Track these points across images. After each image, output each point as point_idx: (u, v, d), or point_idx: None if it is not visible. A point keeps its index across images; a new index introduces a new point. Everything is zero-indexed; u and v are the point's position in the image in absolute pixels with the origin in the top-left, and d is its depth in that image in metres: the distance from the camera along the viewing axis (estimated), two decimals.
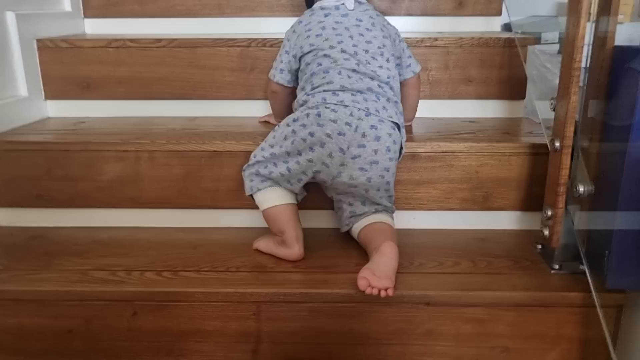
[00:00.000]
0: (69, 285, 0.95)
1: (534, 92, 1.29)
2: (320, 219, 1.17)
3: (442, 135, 1.18)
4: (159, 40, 1.33)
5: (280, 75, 1.13)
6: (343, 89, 0.99)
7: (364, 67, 1.02)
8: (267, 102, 1.35)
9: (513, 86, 1.34)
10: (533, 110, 1.41)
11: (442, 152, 1.12)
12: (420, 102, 1.30)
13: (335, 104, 0.97)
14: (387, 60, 1.06)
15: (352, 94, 0.99)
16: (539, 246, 1.06)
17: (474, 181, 1.14)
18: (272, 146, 1.02)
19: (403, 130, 1.04)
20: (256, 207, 1.06)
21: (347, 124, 0.96)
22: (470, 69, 1.33)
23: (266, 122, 1.28)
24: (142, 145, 1.13)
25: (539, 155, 1.11)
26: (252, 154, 1.06)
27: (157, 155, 1.14)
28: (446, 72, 1.33)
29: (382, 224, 1.01)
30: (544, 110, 1.31)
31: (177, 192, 1.16)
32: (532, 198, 1.14)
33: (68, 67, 1.35)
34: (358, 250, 1.04)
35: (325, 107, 0.97)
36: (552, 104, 1.01)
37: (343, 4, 1.10)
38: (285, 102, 1.19)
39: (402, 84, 1.13)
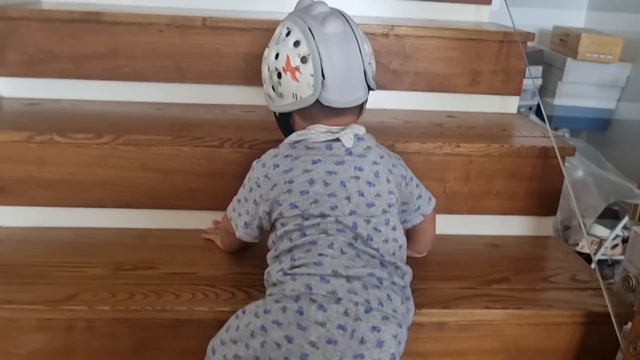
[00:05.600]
0: None
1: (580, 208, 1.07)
2: None
3: (469, 286, 0.93)
4: (100, 135, 1.00)
5: (244, 231, 0.85)
6: (335, 272, 0.72)
7: (364, 244, 0.75)
8: None
9: (543, 201, 1.11)
10: (560, 217, 1.20)
11: (477, 321, 0.88)
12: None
13: (325, 296, 0.70)
14: (394, 229, 0.80)
15: (348, 280, 0.71)
16: None
17: (513, 352, 0.91)
18: (234, 342, 0.73)
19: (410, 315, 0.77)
20: None
21: (340, 327, 0.69)
22: (495, 181, 1.08)
23: (212, 240, 1.00)
24: (77, 312, 0.82)
25: (594, 324, 0.89)
26: (210, 346, 0.76)
27: (97, 324, 0.83)
28: (467, 184, 1.08)
29: None
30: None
31: None
32: None
33: None
34: None
35: (311, 301, 0.70)
36: (630, 283, 0.78)
37: (338, 139, 0.79)
38: (242, 245, 0.93)
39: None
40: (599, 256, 1.58)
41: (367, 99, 0.84)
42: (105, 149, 1.01)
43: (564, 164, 1.07)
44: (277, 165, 0.79)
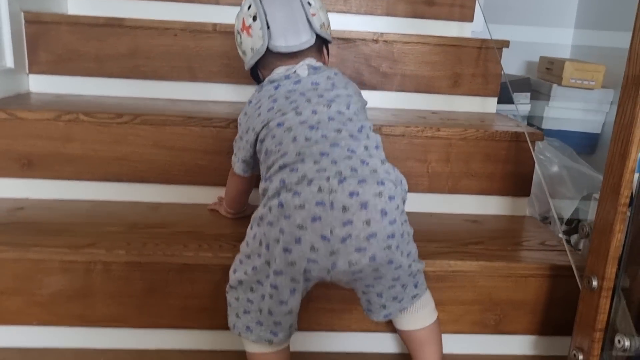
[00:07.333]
0: None
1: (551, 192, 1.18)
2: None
3: (447, 246, 1.03)
4: (120, 115, 1.13)
5: (238, 165, 0.98)
6: (302, 157, 0.79)
7: (326, 124, 0.84)
8: None
9: (518, 182, 1.22)
10: (539, 209, 1.30)
11: (453, 272, 0.98)
12: (419, 196, 1.19)
13: (297, 182, 0.77)
14: (356, 113, 0.88)
15: (315, 161, 0.79)
16: None
17: (486, 303, 1.00)
18: (248, 257, 0.82)
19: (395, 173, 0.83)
20: None
21: (318, 203, 0.75)
22: (473, 162, 1.20)
23: (215, 210, 1.12)
24: (96, 255, 0.93)
25: (559, 277, 0.99)
26: (232, 269, 0.86)
27: (113, 267, 0.94)
28: (447, 165, 1.20)
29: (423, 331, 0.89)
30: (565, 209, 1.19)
31: (136, 309, 0.96)
32: (549, 322, 1.01)
33: (6, 141, 1.13)
34: None
35: (287, 191, 0.77)
36: (584, 230, 0.88)
37: (295, 72, 0.92)
38: (243, 188, 1.05)
39: None
40: None
41: (323, 46, 0.99)
42: (125, 127, 1.13)
43: (534, 149, 1.19)
44: (250, 102, 0.94)
